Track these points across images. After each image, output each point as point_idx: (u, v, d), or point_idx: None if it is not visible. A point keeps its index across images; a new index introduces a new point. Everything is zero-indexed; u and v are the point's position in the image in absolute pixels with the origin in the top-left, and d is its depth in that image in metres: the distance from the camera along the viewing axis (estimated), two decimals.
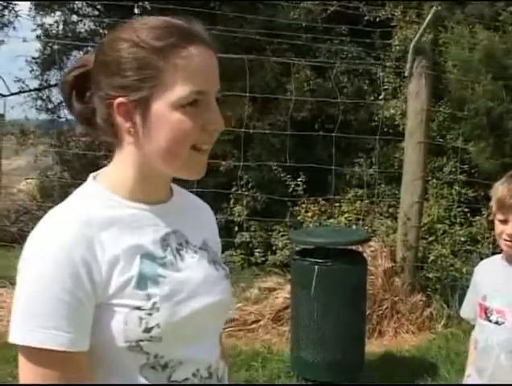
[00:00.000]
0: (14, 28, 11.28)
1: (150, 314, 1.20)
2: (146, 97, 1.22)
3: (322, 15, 8.67)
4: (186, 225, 1.38)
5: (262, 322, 5.67)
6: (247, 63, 6.83)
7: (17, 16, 11.06)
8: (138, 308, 1.20)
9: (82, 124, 1.35)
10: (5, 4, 10.77)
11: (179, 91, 1.21)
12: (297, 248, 5.16)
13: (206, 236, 1.43)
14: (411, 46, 5.76)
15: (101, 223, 1.23)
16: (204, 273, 1.34)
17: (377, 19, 8.25)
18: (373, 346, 5.26)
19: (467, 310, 2.71)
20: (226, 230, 8.09)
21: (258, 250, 7.79)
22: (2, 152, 14.03)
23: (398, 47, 7.78)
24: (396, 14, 8.04)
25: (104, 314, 1.20)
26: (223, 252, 6.13)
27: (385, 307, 5.59)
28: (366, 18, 8.30)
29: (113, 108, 1.24)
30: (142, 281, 1.22)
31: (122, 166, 1.30)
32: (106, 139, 1.34)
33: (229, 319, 5.65)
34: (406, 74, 5.87)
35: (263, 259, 7.70)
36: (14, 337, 1.16)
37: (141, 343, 1.20)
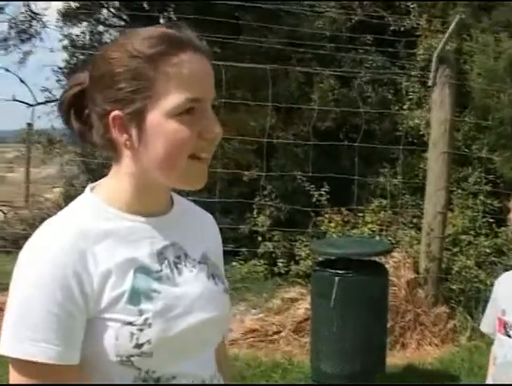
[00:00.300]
0: (41, 39, 11.45)
1: (141, 330, 1.19)
2: (140, 109, 1.21)
3: (346, 24, 8.64)
4: (185, 237, 1.36)
5: (283, 333, 5.64)
6: (270, 72, 6.84)
7: (44, 27, 11.21)
8: (130, 323, 1.19)
9: (82, 141, 1.34)
10: (33, 15, 10.91)
11: (173, 99, 1.20)
12: (320, 259, 5.12)
13: (206, 248, 1.40)
14: (435, 55, 5.72)
15: (95, 236, 1.22)
16: (201, 287, 1.31)
17: (402, 28, 8.21)
18: (396, 359, 5.20)
19: (486, 324, 2.67)
20: (250, 240, 8.09)
21: (281, 260, 7.75)
22: (30, 161, 14.20)
23: (422, 56, 7.71)
24: (421, 23, 7.99)
25: (96, 327, 1.19)
26: (246, 261, 6.10)
27: (408, 319, 5.53)
28: (391, 27, 8.26)
29: (109, 123, 1.23)
30: (135, 296, 1.21)
31: (120, 178, 1.29)
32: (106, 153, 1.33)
33: (249, 330, 5.64)
34: (429, 83, 5.83)
35: (286, 269, 7.66)
36: (5, 349, 1.15)
37: (132, 359, 1.19)
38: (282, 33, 8.63)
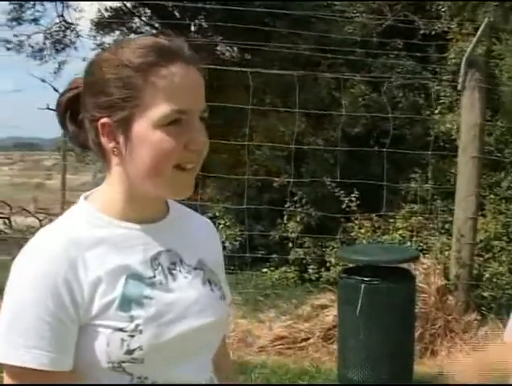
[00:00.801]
0: (75, 48, 11.62)
1: (132, 336, 1.19)
2: (127, 117, 1.22)
3: (377, 29, 8.61)
4: (181, 243, 1.35)
5: (311, 340, 5.61)
6: (300, 78, 6.84)
7: (78, 36, 11.38)
8: (121, 329, 1.19)
9: (76, 145, 1.35)
10: (67, 25, 11.08)
11: (160, 110, 1.21)
12: (349, 265, 5.08)
13: (203, 255, 1.39)
14: (464, 59, 5.65)
15: (87, 244, 1.23)
16: (196, 293, 1.31)
17: (433, 32, 8.14)
18: (426, 367, 5.14)
19: (510, 334, 2.62)
20: (280, 246, 8.09)
21: (311, 267, 7.73)
22: (66, 168, 14.38)
23: (454, 60, 7.63)
24: (452, 26, 7.91)
25: (87, 334, 1.20)
26: (277, 268, 6.07)
27: (438, 326, 5.46)
28: (422, 31, 8.20)
29: (98, 129, 1.24)
30: (126, 302, 1.21)
31: (112, 186, 1.30)
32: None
33: (277, 336, 5.63)
34: (458, 87, 5.76)
35: (317, 275, 7.64)
36: None
37: (123, 365, 1.20)
38: (313, 39, 8.64)
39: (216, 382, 1.40)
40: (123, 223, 1.28)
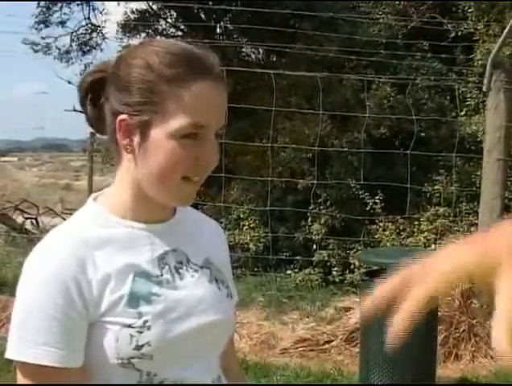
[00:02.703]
0: (101, 50, 11.72)
1: (140, 332, 1.21)
2: (146, 121, 1.23)
3: (402, 31, 8.56)
4: (188, 243, 1.37)
5: (334, 343, 5.59)
6: (323, 80, 6.82)
7: (104, 38, 11.48)
8: (129, 326, 1.21)
9: (92, 128, 1.36)
10: (93, 27, 11.17)
11: (179, 121, 1.21)
12: (373, 267, 5.05)
13: (210, 253, 1.41)
14: (489, 60, 5.60)
15: (96, 243, 1.25)
16: (203, 291, 1.33)
17: (459, 33, 8.07)
18: (449, 371, 5.09)
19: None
20: (304, 248, 8.07)
21: (335, 269, 7.70)
22: (93, 170, 14.49)
23: (480, 62, 7.56)
24: (479, 27, 7.84)
25: (97, 331, 1.22)
26: (301, 270, 6.05)
27: (462, 330, 5.41)
28: (448, 32, 8.14)
29: (116, 123, 1.25)
30: (134, 299, 1.23)
31: (121, 185, 1.32)
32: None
33: (300, 339, 5.61)
34: (484, 89, 5.71)
35: (341, 278, 7.62)
36: (10, 352, 1.19)
37: (132, 360, 1.21)
38: (338, 41, 8.62)
39: (224, 381, 1.41)
40: (131, 223, 1.30)
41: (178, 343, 1.26)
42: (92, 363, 1.23)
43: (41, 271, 1.21)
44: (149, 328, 1.22)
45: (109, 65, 1.31)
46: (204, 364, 1.33)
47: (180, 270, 1.32)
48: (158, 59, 1.23)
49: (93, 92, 1.32)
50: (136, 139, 1.25)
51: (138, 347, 1.21)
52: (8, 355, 1.19)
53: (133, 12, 11.69)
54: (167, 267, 1.30)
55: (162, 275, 1.29)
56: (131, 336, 1.21)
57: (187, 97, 1.21)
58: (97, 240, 1.25)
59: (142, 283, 1.25)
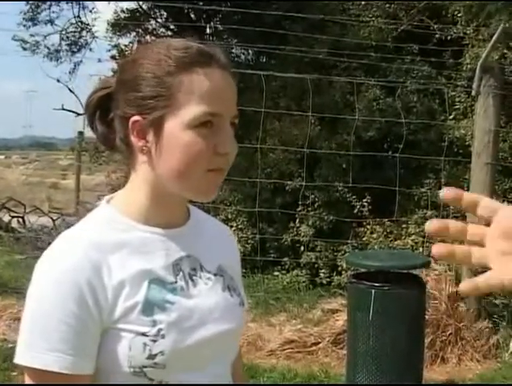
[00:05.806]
0: (90, 49, 11.68)
1: (154, 341, 1.19)
2: (160, 116, 1.22)
3: (392, 34, 8.59)
4: (201, 250, 1.35)
5: (321, 345, 5.59)
6: (315, 82, 6.83)
7: (94, 37, 11.44)
8: (143, 334, 1.19)
9: (104, 145, 1.36)
10: (83, 26, 11.13)
11: (193, 110, 1.21)
12: (362, 270, 5.05)
13: (223, 261, 1.39)
14: (478, 64, 5.63)
15: (110, 247, 1.23)
16: (216, 299, 1.31)
17: (449, 38, 8.11)
18: (436, 374, 5.11)
19: None
20: (292, 250, 8.07)
21: (323, 271, 7.70)
22: (81, 168, 14.45)
23: (469, 66, 7.59)
24: (468, 32, 7.87)
25: (110, 338, 1.20)
26: (288, 271, 6.07)
27: (448, 333, 5.43)
28: (437, 36, 8.17)
29: (128, 127, 1.25)
30: (148, 306, 1.21)
31: (136, 188, 1.30)
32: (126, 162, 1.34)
33: (287, 340, 5.61)
34: (473, 93, 5.73)
35: (328, 280, 7.62)
36: (20, 358, 1.17)
37: (144, 369, 1.19)
38: (328, 43, 8.63)
39: None
40: (145, 227, 1.28)
41: (191, 353, 1.24)
42: (102, 370, 1.20)
43: (53, 275, 1.18)
44: (163, 337, 1.20)
45: (112, 80, 1.32)
46: (216, 372, 1.31)
47: (194, 277, 1.30)
48: (166, 55, 1.23)
49: (101, 109, 1.33)
50: (151, 138, 1.24)
51: (152, 356, 1.19)
52: (17, 360, 1.17)
53: (123, 11, 11.67)
54: (181, 273, 1.29)
55: (176, 282, 1.27)
56: (145, 345, 1.19)
57: (197, 85, 1.22)
58: (110, 244, 1.23)
59: (157, 290, 1.23)
